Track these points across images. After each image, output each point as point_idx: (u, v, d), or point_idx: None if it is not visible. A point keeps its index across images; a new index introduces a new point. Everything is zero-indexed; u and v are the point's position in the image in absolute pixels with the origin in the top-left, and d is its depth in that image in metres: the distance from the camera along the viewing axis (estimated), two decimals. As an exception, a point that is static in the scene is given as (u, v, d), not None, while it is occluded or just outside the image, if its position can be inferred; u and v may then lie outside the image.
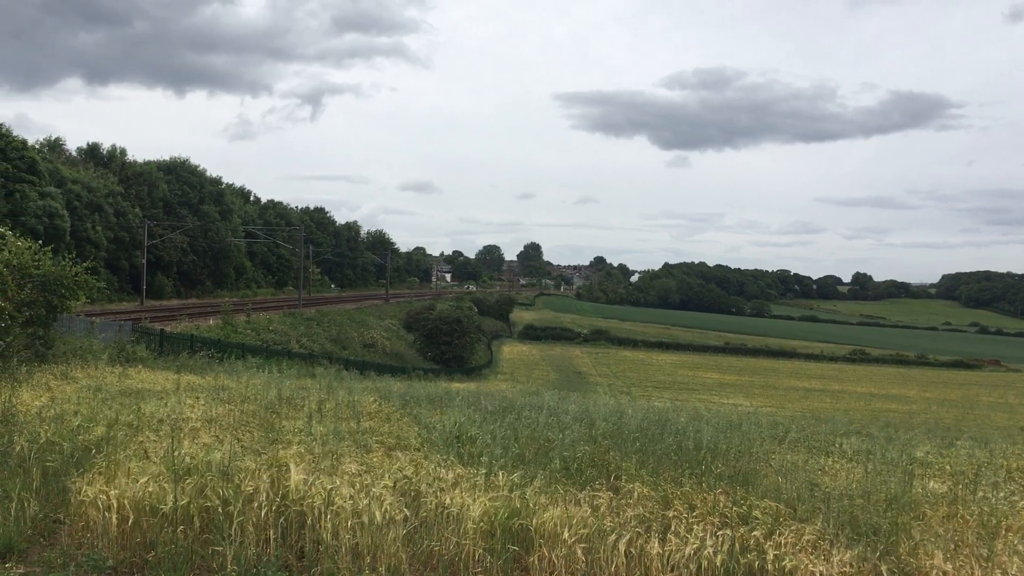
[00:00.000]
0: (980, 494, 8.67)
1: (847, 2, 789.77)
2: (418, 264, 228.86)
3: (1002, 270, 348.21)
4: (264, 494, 6.45)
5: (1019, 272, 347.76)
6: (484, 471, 7.56)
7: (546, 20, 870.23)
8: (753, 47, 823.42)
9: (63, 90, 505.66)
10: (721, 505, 6.87)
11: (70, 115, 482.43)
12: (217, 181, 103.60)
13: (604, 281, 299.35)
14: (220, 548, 5.89)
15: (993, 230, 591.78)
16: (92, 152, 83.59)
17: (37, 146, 71.67)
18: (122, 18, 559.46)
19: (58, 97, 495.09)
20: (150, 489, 6.39)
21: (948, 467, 11.39)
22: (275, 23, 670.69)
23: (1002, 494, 8.75)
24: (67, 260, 20.07)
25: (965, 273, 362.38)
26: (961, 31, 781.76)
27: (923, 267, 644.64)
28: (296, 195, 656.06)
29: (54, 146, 79.58)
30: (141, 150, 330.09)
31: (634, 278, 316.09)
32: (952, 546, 6.28)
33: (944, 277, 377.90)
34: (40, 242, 20.39)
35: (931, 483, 9.53)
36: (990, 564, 5.98)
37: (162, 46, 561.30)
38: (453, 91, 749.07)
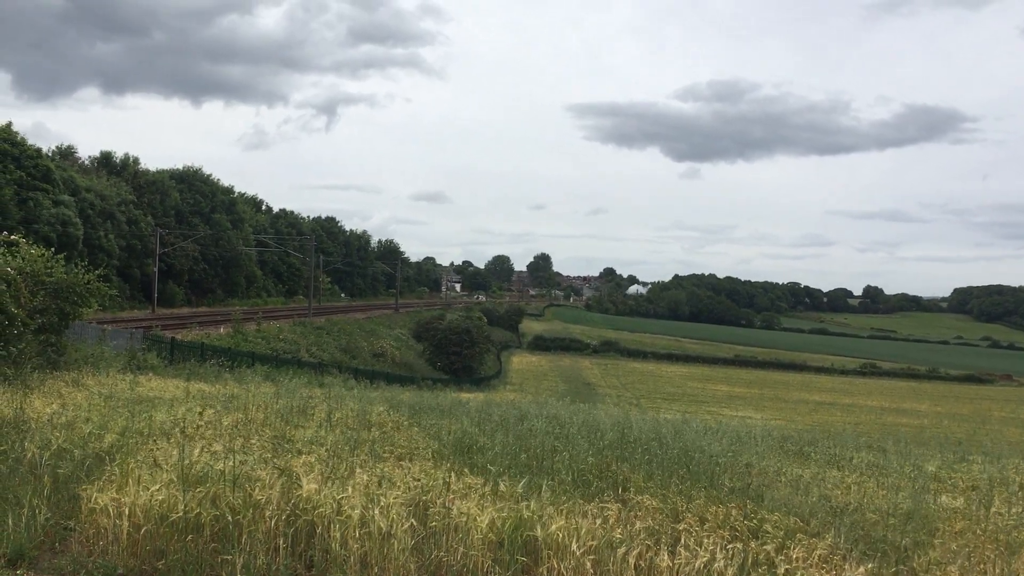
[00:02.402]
0: (994, 509, 8.60)
1: (862, 15, 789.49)
2: (428, 274, 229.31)
3: (1015, 284, 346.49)
4: (275, 503, 6.45)
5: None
6: (492, 481, 7.54)
7: (560, 32, 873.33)
8: (768, 60, 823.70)
9: (80, 99, 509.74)
10: (732, 518, 6.83)
11: (87, 124, 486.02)
12: (229, 190, 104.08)
13: (613, 292, 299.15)
14: (230, 557, 5.89)
15: (1007, 244, 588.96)
16: (105, 160, 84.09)
17: (50, 154, 72.15)
18: (140, 28, 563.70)
19: (75, 106, 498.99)
20: (160, 497, 6.40)
21: (961, 482, 11.32)
22: (291, 34, 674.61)
23: (1015, 510, 8.68)
24: (79, 268, 20.16)
25: (977, 287, 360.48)
26: (976, 44, 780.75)
27: (935, 280, 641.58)
28: (308, 204, 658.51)
29: (66, 154, 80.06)
30: (157, 159, 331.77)
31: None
32: (967, 563, 6.23)
33: (956, 291, 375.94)
34: (53, 249, 20.50)
35: (944, 498, 9.47)
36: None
37: (179, 56, 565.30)
38: (467, 102, 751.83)
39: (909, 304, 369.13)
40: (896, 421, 60.69)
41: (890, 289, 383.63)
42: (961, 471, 12.77)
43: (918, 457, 14.31)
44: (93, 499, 6.52)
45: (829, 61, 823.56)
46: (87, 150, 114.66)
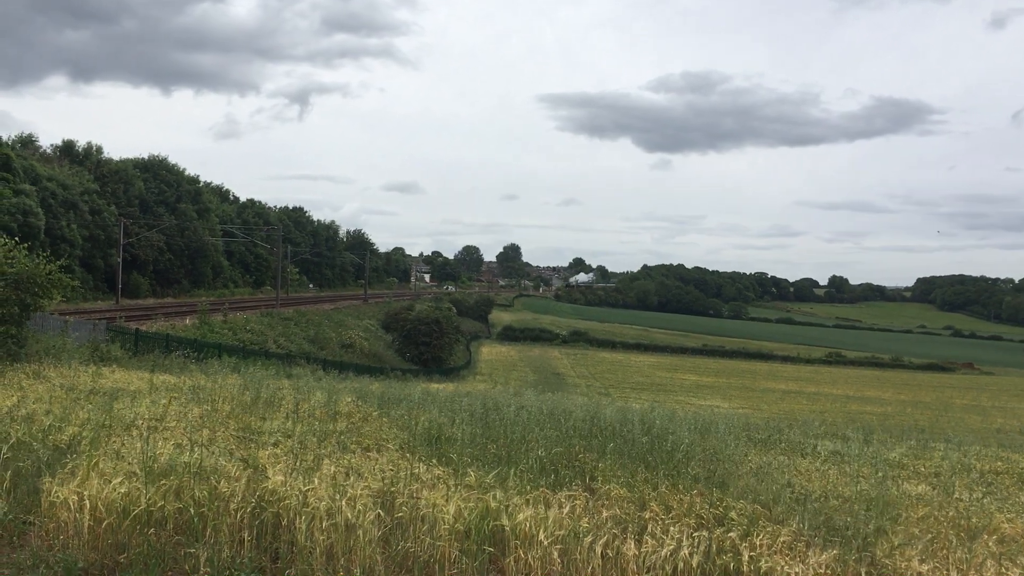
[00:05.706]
0: (956, 495, 8.74)
1: (832, 9, 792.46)
2: (397, 264, 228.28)
3: (977, 274, 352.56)
4: (240, 496, 6.39)
5: (993, 276, 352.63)
6: (460, 472, 7.53)
7: (535, 24, 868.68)
8: (740, 53, 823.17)
9: (46, 88, 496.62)
10: (697, 506, 6.88)
11: (53, 113, 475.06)
12: (195, 180, 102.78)
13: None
14: (193, 550, 5.82)
15: (970, 234, 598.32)
16: (67, 149, 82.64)
17: (10, 143, 70.82)
18: (110, 16, 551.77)
19: (40, 95, 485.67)
20: (123, 490, 6.31)
21: (923, 469, 11.50)
22: (264, 23, 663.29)
23: (975, 496, 8.83)
24: (41, 258, 19.86)
25: (940, 276, 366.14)
26: (944, 38, 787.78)
27: (899, 270, 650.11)
28: (279, 195, 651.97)
29: (27, 143, 78.57)
30: (125, 148, 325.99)
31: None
32: (928, 548, 6.32)
33: (919, 280, 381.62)
34: (15, 240, 20.18)
35: (906, 485, 9.61)
36: (967, 567, 6.01)
37: (150, 44, 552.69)
38: (441, 92, 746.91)
39: (874, 294, 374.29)
40: (860, 409, 61.51)
41: (855, 279, 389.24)
42: (924, 458, 12.97)
43: (881, 444, 14.51)
44: (54, 492, 6.42)
45: (800, 54, 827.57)
46: (53, 139, 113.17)
